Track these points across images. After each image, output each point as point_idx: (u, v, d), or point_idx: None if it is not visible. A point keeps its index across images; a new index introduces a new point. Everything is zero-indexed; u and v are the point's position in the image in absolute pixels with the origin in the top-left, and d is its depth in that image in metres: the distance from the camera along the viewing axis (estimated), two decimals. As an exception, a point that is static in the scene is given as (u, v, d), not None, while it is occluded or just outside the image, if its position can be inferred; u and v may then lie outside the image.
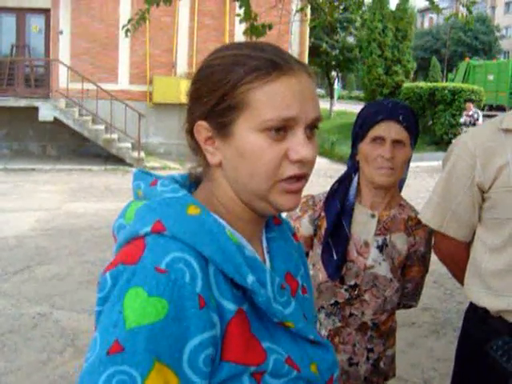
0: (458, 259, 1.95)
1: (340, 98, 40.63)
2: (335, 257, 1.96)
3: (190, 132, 0.97)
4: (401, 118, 1.88)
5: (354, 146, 2.01)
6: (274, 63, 0.90)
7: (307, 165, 0.93)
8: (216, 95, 0.91)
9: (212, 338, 0.82)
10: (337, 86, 37.74)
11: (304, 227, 2.07)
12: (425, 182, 12.69)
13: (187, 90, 0.99)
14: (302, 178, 0.94)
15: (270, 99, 0.89)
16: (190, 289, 0.81)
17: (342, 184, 2.05)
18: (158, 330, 0.78)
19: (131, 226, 0.90)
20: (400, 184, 2.08)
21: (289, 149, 0.91)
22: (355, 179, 2.03)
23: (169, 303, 0.79)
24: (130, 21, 6.07)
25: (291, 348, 0.95)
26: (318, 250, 2.04)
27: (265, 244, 1.07)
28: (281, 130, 0.90)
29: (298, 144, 0.91)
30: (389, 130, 1.88)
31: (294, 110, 0.89)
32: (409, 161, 2.00)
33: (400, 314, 2.08)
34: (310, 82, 0.94)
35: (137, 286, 0.80)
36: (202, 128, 0.94)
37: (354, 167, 2.05)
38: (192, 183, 1.06)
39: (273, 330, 0.93)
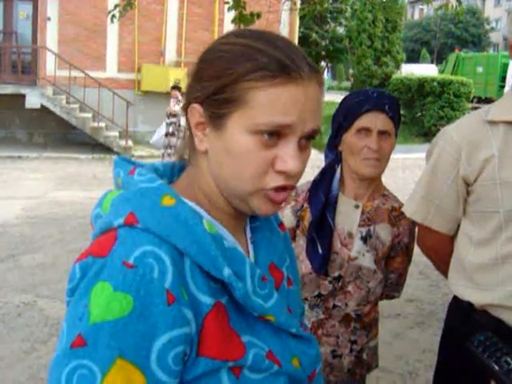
0: (442, 253, 1.93)
1: (329, 88, 40.53)
2: (320, 250, 1.93)
3: (186, 110, 0.94)
4: (387, 108, 1.85)
5: (337, 137, 1.97)
6: (284, 66, 0.84)
7: (294, 177, 0.89)
8: (217, 83, 0.87)
9: (183, 336, 0.79)
10: (326, 76, 37.68)
11: (286, 219, 2.02)
12: (413, 173, 12.71)
13: (191, 68, 0.94)
14: (288, 188, 0.90)
15: (269, 103, 0.84)
16: (158, 284, 0.78)
17: (325, 175, 2.01)
18: (122, 326, 0.75)
19: (106, 216, 0.88)
20: None
21: (277, 157, 0.87)
22: (338, 170, 2.00)
23: (134, 299, 0.77)
24: (116, 6, 6.01)
25: (273, 342, 0.93)
26: (300, 241, 2.01)
27: (249, 234, 1.03)
28: (274, 135, 0.85)
29: (287, 154, 0.86)
30: (375, 120, 1.85)
31: (291, 118, 0.85)
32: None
33: (385, 306, 2.07)
34: (317, 91, 0.88)
35: (104, 280, 0.78)
36: (196, 112, 0.91)
37: (336, 158, 2.01)
38: (176, 171, 1.02)
39: (253, 324, 0.91)
